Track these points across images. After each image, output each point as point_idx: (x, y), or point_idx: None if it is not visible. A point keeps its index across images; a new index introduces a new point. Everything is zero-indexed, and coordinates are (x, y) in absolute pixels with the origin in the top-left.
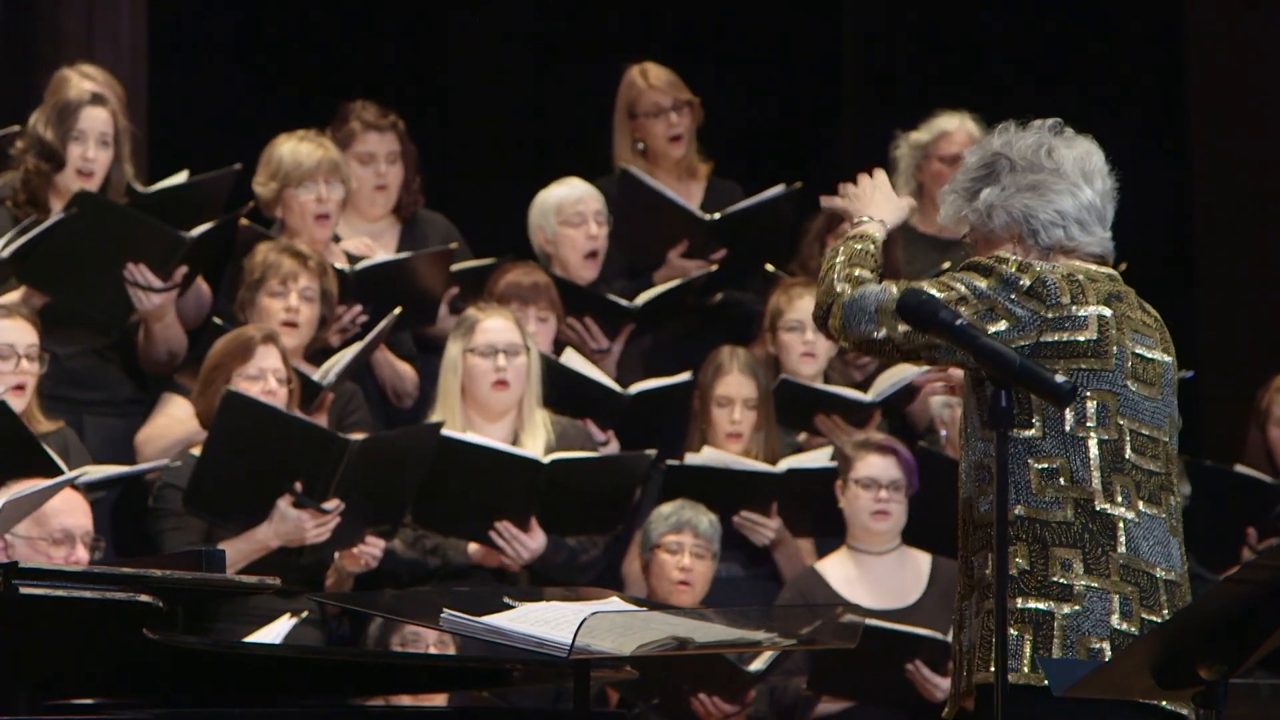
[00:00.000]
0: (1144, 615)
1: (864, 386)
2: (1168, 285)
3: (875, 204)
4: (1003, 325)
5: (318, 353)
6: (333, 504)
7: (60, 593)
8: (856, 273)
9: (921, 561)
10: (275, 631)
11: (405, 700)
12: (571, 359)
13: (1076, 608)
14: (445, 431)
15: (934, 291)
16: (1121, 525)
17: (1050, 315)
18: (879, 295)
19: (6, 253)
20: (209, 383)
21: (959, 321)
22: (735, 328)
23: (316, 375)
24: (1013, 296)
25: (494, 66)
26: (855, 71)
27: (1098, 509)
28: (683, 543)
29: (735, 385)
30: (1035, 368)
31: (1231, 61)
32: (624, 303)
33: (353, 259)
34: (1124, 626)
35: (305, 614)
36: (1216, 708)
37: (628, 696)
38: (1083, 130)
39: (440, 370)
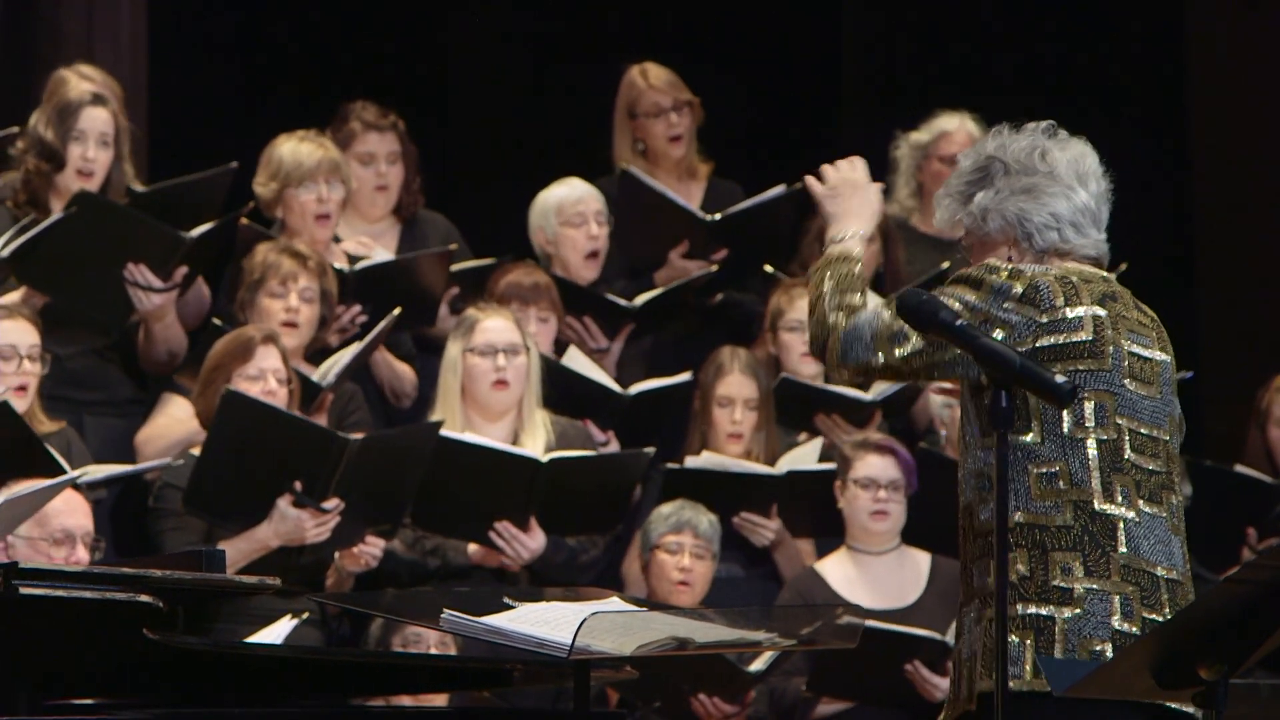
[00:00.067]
0: (1145, 615)
1: (865, 386)
2: (1168, 285)
3: (852, 209)
4: (998, 334)
5: (317, 353)
6: (332, 503)
7: (60, 593)
8: (848, 300)
9: (921, 561)
10: (276, 632)
11: (406, 700)
12: (575, 358)
13: (1077, 611)
14: (443, 432)
15: None
16: (1122, 525)
17: (1045, 320)
18: (873, 322)
19: (6, 253)
20: (209, 383)
21: (959, 322)
22: (736, 328)
23: (316, 376)
24: (1006, 305)
25: (494, 66)
26: (855, 71)
27: (1097, 510)
28: (682, 543)
29: (736, 385)
30: (1035, 368)
31: (1231, 61)
32: (623, 302)
33: (353, 259)
34: (1125, 627)
35: (306, 614)
36: (1217, 708)
37: (628, 697)
38: (1083, 130)
39: (440, 370)
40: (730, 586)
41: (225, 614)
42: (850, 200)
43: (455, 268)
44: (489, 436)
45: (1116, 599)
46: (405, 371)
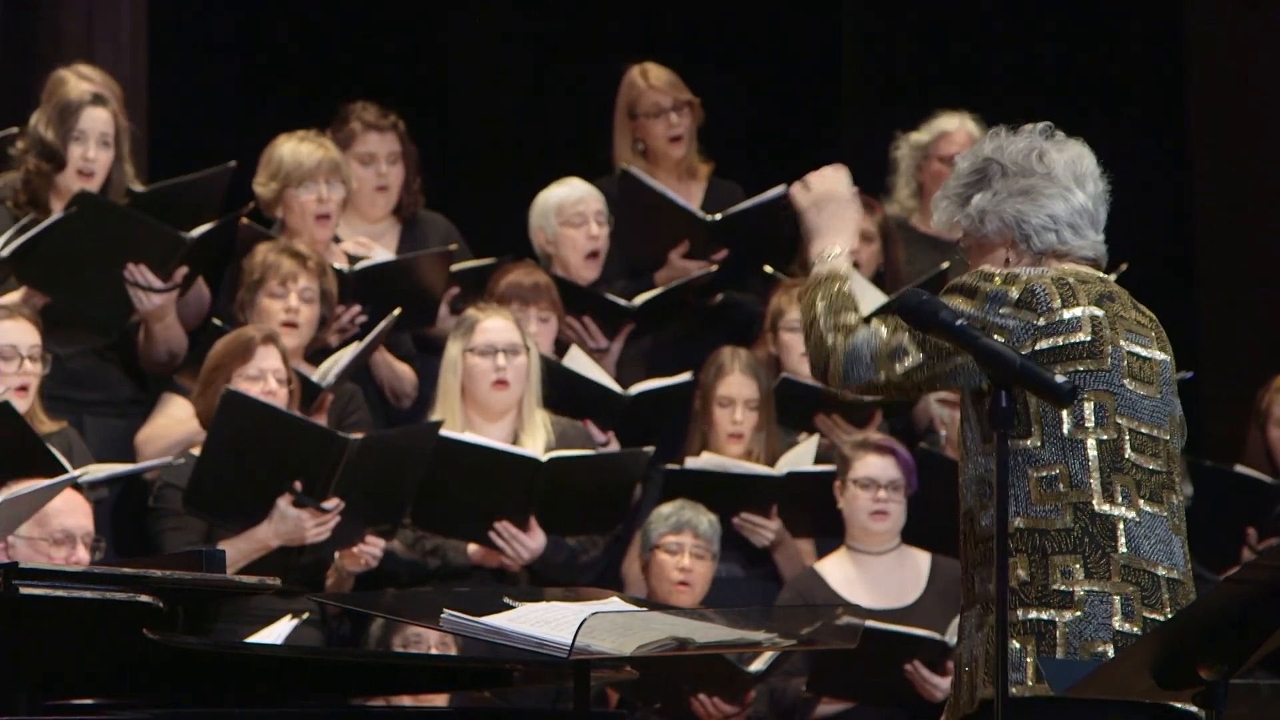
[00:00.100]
0: (1146, 615)
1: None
2: (1168, 285)
3: (833, 224)
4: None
5: (317, 353)
6: (332, 503)
7: (60, 593)
8: (842, 319)
9: (921, 561)
10: (276, 632)
11: (406, 701)
12: (577, 358)
13: (1078, 614)
14: (443, 432)
15: None
16: (1122, 525)
17: (1042, 323)
18: (871, 341)
19: (6, 253)
20: (209, 383)
21: (959, 322)
22: (736, 328)
23: (315, 376)
24: (1002, 311)
25: (494, 66)
26: (855, 71)
27: (1097, 511)
28: (682, 543)
29: (737, 386)
30: (1035, 368)
31: (1231, 61)
32: (622, 302)
33: (352, 259)
34: (1126, 627)
35: (306, 615)
36: (1217, 708)
37: (628, 697)
38: (1083, 130)
39: (440, 370)
40: (730, 586)
41: (225, 614)
42: (832, 214)
43: (455, 268)
44: (489, 436)
45: (1117, 600)
46: (405, 372)
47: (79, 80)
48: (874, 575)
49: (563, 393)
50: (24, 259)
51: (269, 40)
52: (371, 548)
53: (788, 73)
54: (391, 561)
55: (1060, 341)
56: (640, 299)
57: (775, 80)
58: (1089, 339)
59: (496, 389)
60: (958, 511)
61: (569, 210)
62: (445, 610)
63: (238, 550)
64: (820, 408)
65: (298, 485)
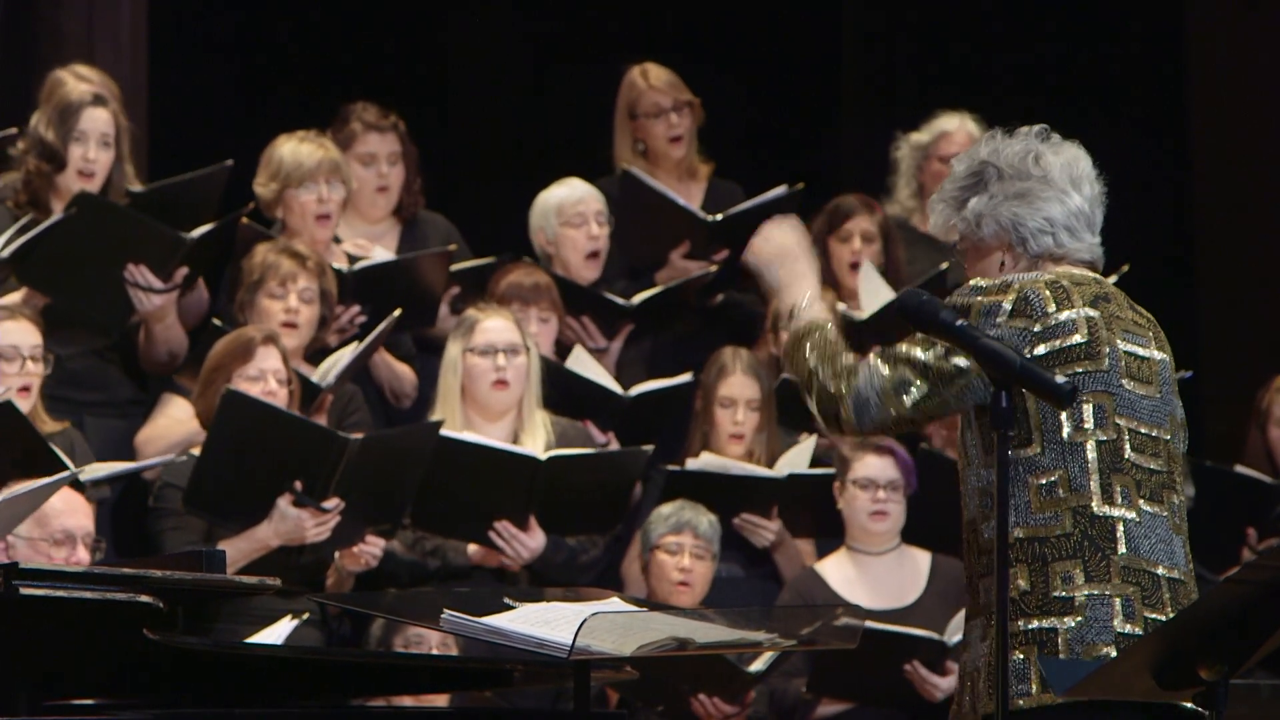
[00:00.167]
0: (1147, 614)
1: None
2: (1168, 285)
3: (794, 275)
4: None
5: (316, 353)
6: (333, 503)
7: (60, 593)
8: (839, 365)
9: (921, 561)
10: (276, 632)
11: (406, 701)
12: (580, 358)
13: (1079, 619)
14: (442, 431)
15: (918, 351)
16: (1121, 526)
17: (1038, 328)
18: (873, 380)
19: (6, 253)
20: (209, 383)
21: (959, 322)
22: (736, 329)
23: (315, 376)
24: (997, 322)
25: (494, 66)
26: (855, 71)
27: (1096, 513)
28: (682, 543)
29: (738, 386)
30: (1035, 368)
31: (1231, 61)
32: (620, 301)
33: (352, 259)
34: (1128, 629)
35: (306, 614)
36: (1217, 708)
37: (628, 697)
38: (1083, 130)
39: (440, 370)
40: (730, 587)
41: (225, 614)
42: (790, 268)
43: (455, 267)
44: (489, 437)
45: (1117, 601)
46: (405, 372)
47: (77, 81)
48: (874, 575)
49: (563, 393)
50: (24, 260)
51: (269, 40)
52: (371, 547)
53: (788, 73)
54: (391, 562)
55: (1057, 345)
56: (638, 298)
57: (775, 80)
58: (1085, 340)
59: (496, 389)
60: (959, 514)
61: (569, 210)
62: (445, 610)
63: (238, 550)
64: None
65: (298, 485)
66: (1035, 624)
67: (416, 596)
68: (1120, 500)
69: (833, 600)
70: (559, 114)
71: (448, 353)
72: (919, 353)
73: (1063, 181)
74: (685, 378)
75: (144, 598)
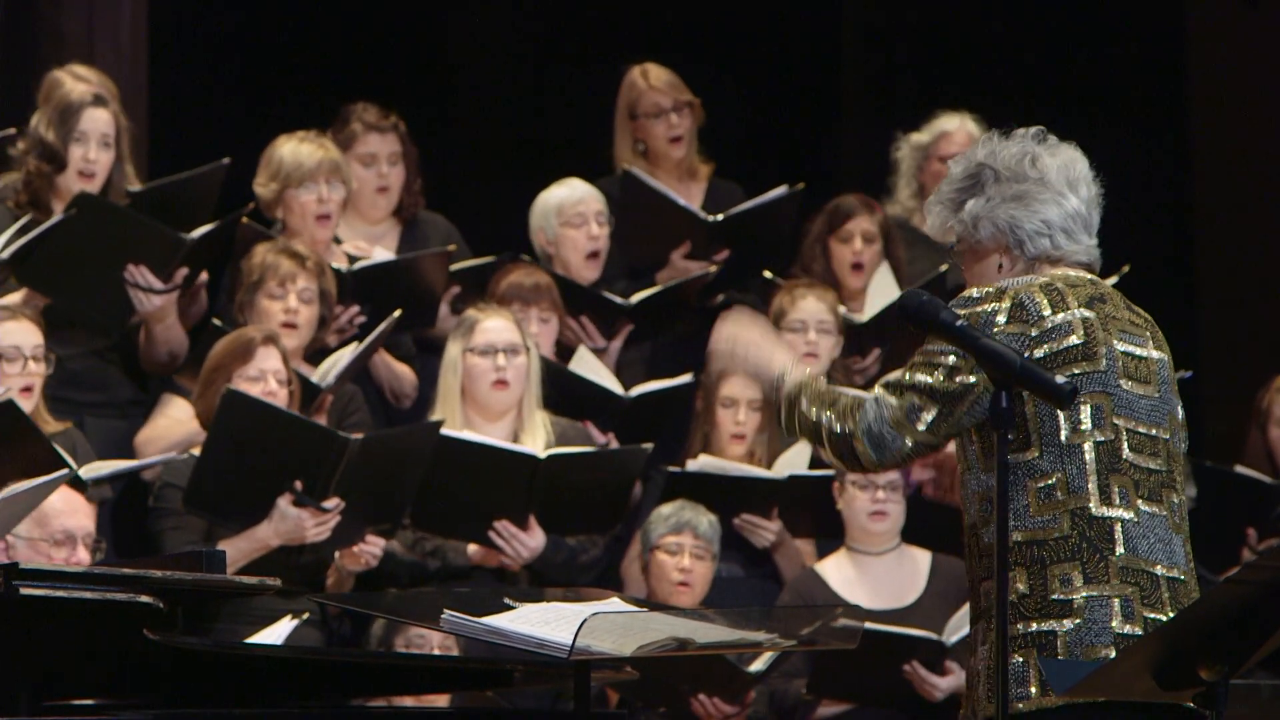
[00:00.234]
0: (1146, 614)
1: (868, 388)
2: (1168, 285)
3: (762, 357)
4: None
5: (315, 353)
6: (333, 503)
7: (60, 593)
8: (839, 406)
9: (921, 560)
10: (276, 632)
11: (407, 701)
12: (584, 358)
13: (1078, 621)
14: (442, 431)
15: (922, 376)
16: (1119, 527)
17: (1035, 332)
18: (882, 413)
19: (6, 254)
20: (209, 384)
21: (959, 322)
22: None
23: (315, 376)
24: (992, 333)
25: (494, 66)
26: (855, 72)
27: (1094, 514)
28: (682, 544)
29: (740, 386)
30: (1035, 368)
31: (1231, 61)
32: (618, 300)
33: (352, 259)
34: (1127, 629)
35: (306, 614)
36: (1217, 708)
37: (628, 697)
38: (1083, 131)
39: (440, 370)
40: (730, 587)
41: (225, 614)
42: (755, 353)
43: (455, 267)
44: (489, 437)
45: (1116, 602)
46: (405, 372)
47: (76, 81)
48: (874, 575)
49: (563, 394)
50: (24, 260)
51: (269, 40)
52: (371, 547)
53: (788, 73)
54: (391, 562)
55: (1054, 347)
56: (636, 297)
57: (775, 80)
58: (1081, 341)
59: (496, 389)
60: (960, 517)
61: (569, 211)
62: (445, 610)
63: (238, 550)
64: None
65: (298, 485)
66: (1034, 627)
67: (416, 596)
68: (1118, 501)
69: (833, 600)
70: (559, 114)
71: (448, 353)
72: (923, 377)
73: (1060, 184)
74: (685, 378)
75: (144, 598)
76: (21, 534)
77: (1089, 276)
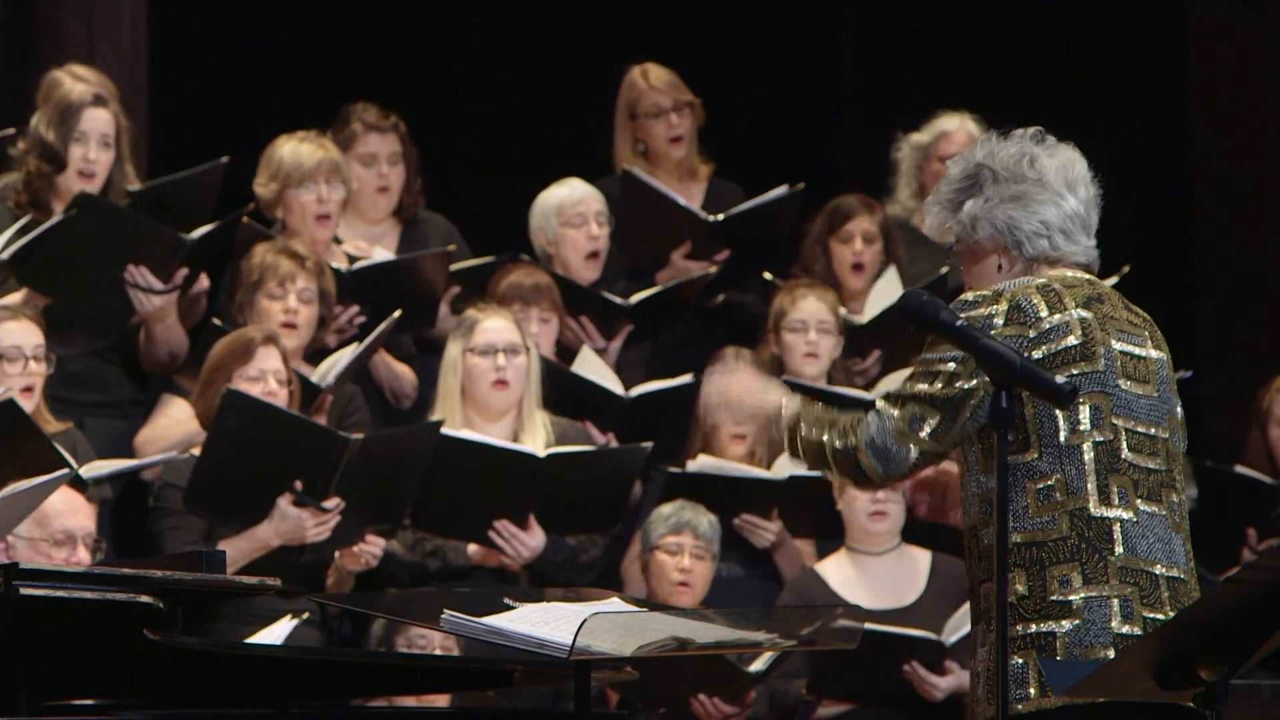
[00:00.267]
0: (1146, 614)
1: (869, 388)
2: (1168, 285)
3: (754, 400)
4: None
5: (315, 353)
6: (333, 503)
7: (60, 593)
8: (839, 425)
9: (921, 560)
10: (276, 632)
11: (407, 701)
12: (588, 359)
13: (1076, 622)
14: (441, 430)
15: (922, 386)
16: (1118, 527)
17: (1033, 334)
18: (884, 425)
19: (6, 254)
20: (209, 384)
21: (959, 322)
22: (736, 329)
23: (315, 377)
24: (991, 333)
25: (494, 66)
26: (855, 71)
27: (1093, 515)
28: (682, 544)
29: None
30: (1035, 369)
31: (1231, 61)
32: (618, 300)
33: (352, 259)
34: (1126, 629)
35: (306, 615)
36: (1217, 708)
37: (628, 697)
38: (1083, 131)
39: (440, 370)
40: (730, 587)
41: (225, 614)
42: (748, 399)
43: (455, 267)
44: (489, 437)
45: (1115, 602)
46: (405, 372)
47: (74, 81)
48: (874, 576)
49: (563, 394)
50: (25, 260)
51: (269, 40)
52: (372, 547)
53: (788, 73)
54: (392, 563)
55: (1053, 348)
56: (636, 298)
57: (775, 80)
58: (1079, 342)
59: (496, 389)
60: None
61: (569, 211)
62: (445, 610)
63: (238, 550)
64: None
65: (298, 485)
66: (1034, 628)
67: (416, 596)
68: (1117, 501)
69: (833, 601)
70: (559, 114)
71: (448, 353)
72: (923, 387)
73: (1058, 184)
74: (685, 379)
75: (144, 598)
76: (21, 534)
77: (1086, 277)
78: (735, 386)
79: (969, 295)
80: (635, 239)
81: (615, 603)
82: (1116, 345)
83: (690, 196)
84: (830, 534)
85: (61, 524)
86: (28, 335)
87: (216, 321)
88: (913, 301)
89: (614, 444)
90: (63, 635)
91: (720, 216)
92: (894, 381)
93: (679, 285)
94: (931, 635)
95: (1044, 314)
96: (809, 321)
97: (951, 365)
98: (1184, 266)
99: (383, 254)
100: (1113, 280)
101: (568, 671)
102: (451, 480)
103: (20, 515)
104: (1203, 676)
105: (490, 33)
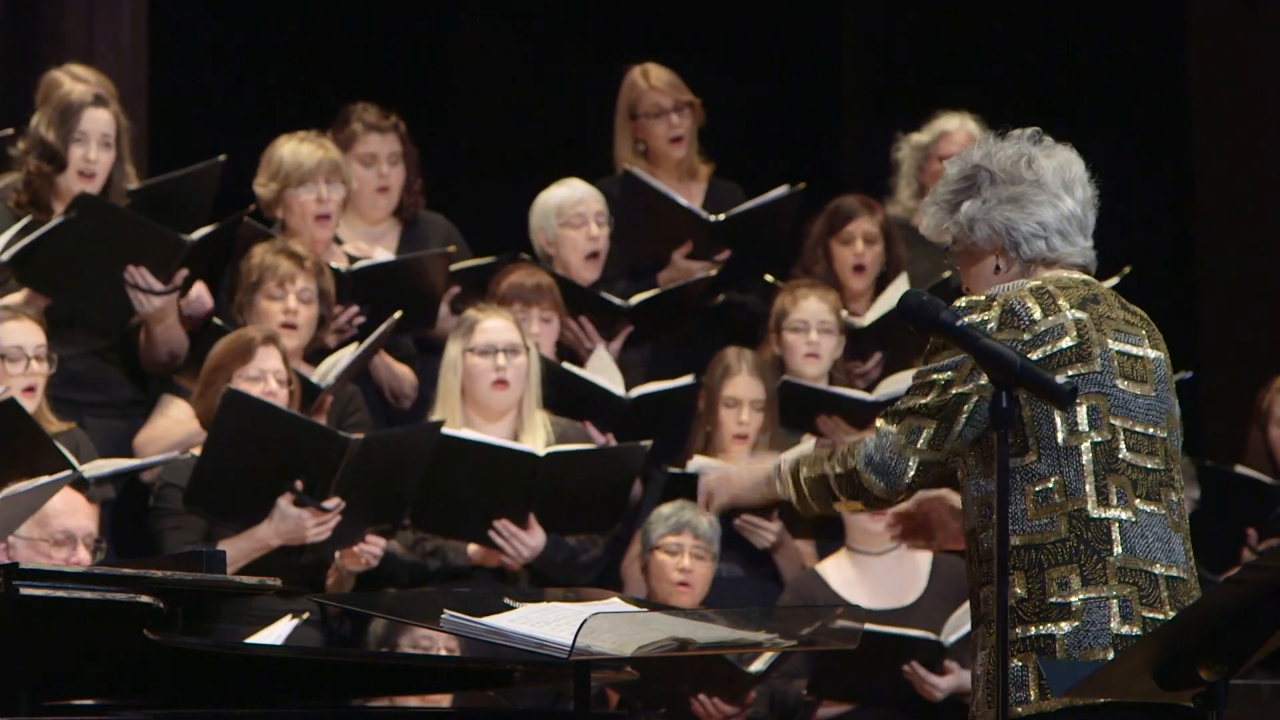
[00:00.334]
0: (1145, 614)
1: (870, 391)
2: (1168, 285)
3: (746, 480)
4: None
5: (315, 353)
6: (333, 502)
7: (61, 593)
8: (838, 452)
9: (921, 561)
10: (276, 632)
11: (409, 701)
12: (601, 360)
13: (1076, 623)
14: (442, 430)
15: (916, 399)
16: (1116, 527)
17: (1027, 336)
18: (882, 442)
19: (7, 255)
20: (209, 384)
21: (959, 323)
22: (737, 329)
23: (315, 377)
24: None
25: (494, 66)
26: (855, 71)
27: (1092, 516)
28: (682, 544)
29: (743, 387)
30: (1035, 369)
31: (1231, 61)
32: (617, 301)
33: (352, 259)
34: (1126, 630)
35: (306, 615)
36: (1217, 708)
37: (628, 697)
38: (1083, 131)
39: (440, 370)
40: (730, 587)
41: (225, 614)
42: (741, 485)
43: (455, 267)
44: (489, 436)
45: (1114, 603)
46: (405, 373)
47: (74, 81)
48: (874, 576)
49: (563, 394)
50: (25, 261)
51: (269, 40)
52: (372, 547)
53: (788, 73)
54: (392, 563)
55: (1050, 350)
56: (636, 299)
57: (775, 80)
58: (1075, 343)
59: (496, 389)
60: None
61: (569, 211)
62: (445, 611)
63: (238, 550)
64: (821, 409)
65: (298, 485)
66: (1033, 630)
67: (416, 596)
68: (1116, 501)
69: (833, 601)
70: (559, 114)
71: (448, 353)
72: (918, 399)
73: (1055, 185)
74: (686, 379)
75: (144, 598)
76: (22, 534)
77: (1082, 278)
78: (732, 471)
79: (961, 302)
80: (635, 239)
81: (615, 603)
82: (1113, 345)
83: (690, 196)
84: (830, 534)
85: (62, 524)
86: (29, 335)
87: (217, 321)
88: (912, 302)
89: (613, 444)
90: (63, 635)
91: (721, 216)
92: (895, 383)
93: (680, 288)
94: (931, 635)
95: (1038, 317)
96: (810, 322)
97: (948, 374)
98: (1184, 266)
99: (383, 254)
100: (1113, 281)
101: (568, 671)
102: (451, 480)
103: (22, 516)
104: (1203, 676)
105: (490, 33)
